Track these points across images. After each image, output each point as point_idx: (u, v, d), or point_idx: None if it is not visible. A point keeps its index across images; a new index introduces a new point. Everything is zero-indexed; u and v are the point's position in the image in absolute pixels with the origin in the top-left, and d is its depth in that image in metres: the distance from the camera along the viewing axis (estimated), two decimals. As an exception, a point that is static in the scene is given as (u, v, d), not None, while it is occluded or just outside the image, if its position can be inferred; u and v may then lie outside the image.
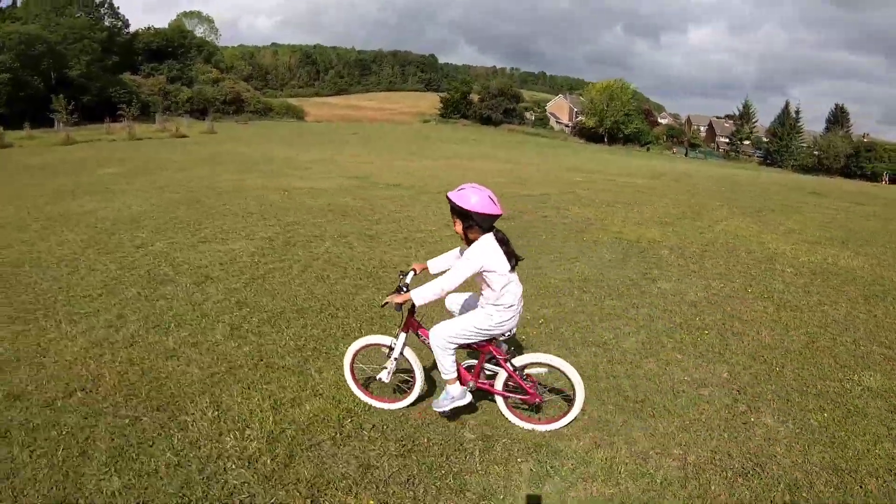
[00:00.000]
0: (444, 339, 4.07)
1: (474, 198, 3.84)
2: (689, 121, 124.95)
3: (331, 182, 18.33)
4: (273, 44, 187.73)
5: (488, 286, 4.01)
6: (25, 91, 60.17)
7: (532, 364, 4.36)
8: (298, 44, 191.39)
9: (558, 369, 4.26)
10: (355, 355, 4.67)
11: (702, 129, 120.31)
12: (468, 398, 4.30)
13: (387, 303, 4.05)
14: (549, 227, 12.31)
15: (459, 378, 4.30)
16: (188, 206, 13.39)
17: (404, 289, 4.09)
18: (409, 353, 4.48)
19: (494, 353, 4.28)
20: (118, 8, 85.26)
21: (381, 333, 5.10)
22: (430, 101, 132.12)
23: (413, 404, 4.68)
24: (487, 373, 4.49)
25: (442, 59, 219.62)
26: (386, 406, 4.63)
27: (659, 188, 21.25)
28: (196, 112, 66.94)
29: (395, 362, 4.40)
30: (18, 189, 16.24)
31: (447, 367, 4.15)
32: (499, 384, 4.36)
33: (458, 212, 3.92)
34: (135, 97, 64.80)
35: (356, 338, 5.09)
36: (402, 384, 4.81)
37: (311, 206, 13.69)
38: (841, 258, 10.87)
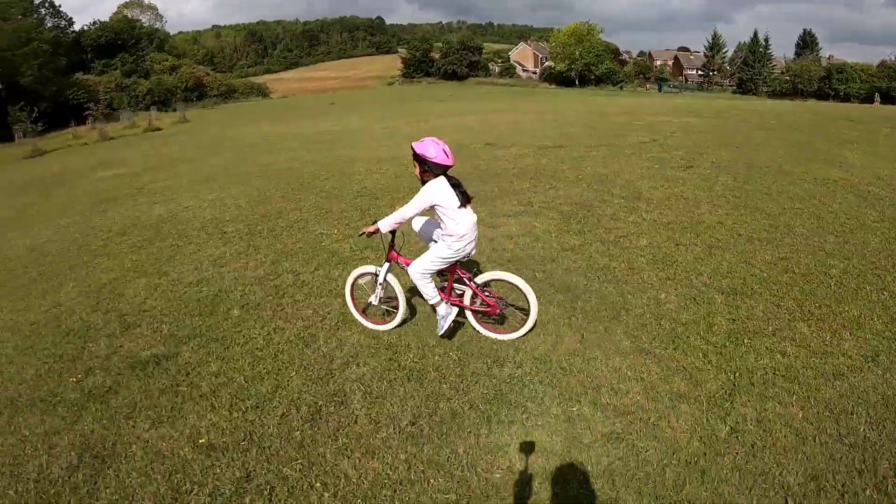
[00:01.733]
0: (419, 272, 4.77)
1: (432, 149, 4.55)
2: (651, 56, 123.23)
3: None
4: (214, 26, 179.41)
5: (442, 220, 4.69)
6: (-29, 103, 53.96)
7: (492, 280, 5.04)
8: (241, 23, 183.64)
9: (515, 286, 4.85)
10: (354, 283, 5.40)
11: (668, 63, 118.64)
12: (454, 311, 4.93)
13: (363, 233, 4.88)
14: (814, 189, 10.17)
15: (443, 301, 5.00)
16: (329, 201, 10.69)
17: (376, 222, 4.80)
18: (392, 280, 5.14)
19: (460, 273, 4.98)
20: (59, 6, 78.91)
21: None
22: (384, 64, 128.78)
23: (399, 325, 5.27)
24: (458, 292, 5.10)
25: (387, 21, 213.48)
26: (377, 327, 5.30)
27: (728, 125, 19.13)
28: (158, 103, 62.27)
29: (380, 287, 5.15)
30: (21, 208, 14.03)
31: (429, 293, 4.87)
32: (466, 300, 5.06)
33: (418, 158, 4.63)
34: (98, 96, 59.94)
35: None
36: (391, 309, 5.35)
37: (518, 170, 12.07)
38: None
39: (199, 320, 5.87)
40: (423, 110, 37.01)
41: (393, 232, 4.95)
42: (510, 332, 4.94)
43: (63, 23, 78.96)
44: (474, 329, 5.08)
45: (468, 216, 4.73)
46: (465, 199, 4.68)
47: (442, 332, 4.97)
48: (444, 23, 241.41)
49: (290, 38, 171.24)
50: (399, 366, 4.81)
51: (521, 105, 38.92)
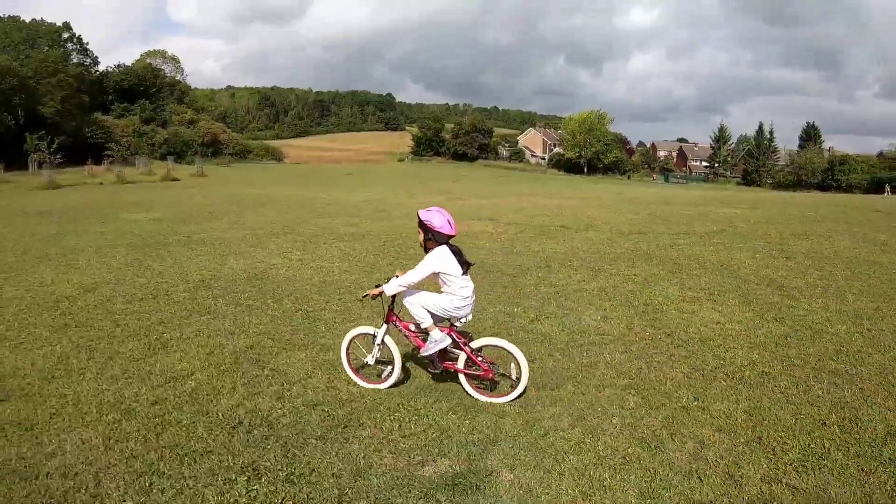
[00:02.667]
0: (416, 300, 4.92)
1: (437, 219, 4.76)
2: (654, 147, 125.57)
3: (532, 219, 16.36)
4: (228, 86, 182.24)
5: (446, 284, 4.85)
6: (-6, 129, 51.34)
7: (487, 346, 5.07)
8: (254, 86, 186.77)
9: (509, 352, 4.91)
10: (350, 342, 5.35)
11: (668, 154, 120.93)
12: (448, 340, 4.96)
13: (366, 295, 5.01)
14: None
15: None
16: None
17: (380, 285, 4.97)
18: (389, 342, 5.13)
19: (456, 337, 5.02)
20: (87, 44, 78.82)
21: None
22: (392, 140, 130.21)
23: (392, 386, 5.10)
24: (452, 355, 5.11)
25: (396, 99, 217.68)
26: (371, 386, 5.15)
27: (776, 216, 18.40)
28: (174, 154, 60.65)
29: (378, 348, 5.16)
30: (52, 237, 12.81)
31: (423, 318, 4.92)
32: (461, 363, 5.02)
33: (423, 226, 4.82)
34: (117, 138, 58.90)
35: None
36: (384, 369, 5.19)
37: (627, 254, 11.43)
38: None
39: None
40: (450, 189, 36.63)
41: (393, 295, 4.98)
42: (500, 397, 4.98)
43: (88, 61, 78.66)
44: (466, 391, 5.05)
45: (468, 282, 4.90)
46: (465, 267, 4.87)
47: (428, 352, 4.98)
48: (450, 104, 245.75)
49: (301, 106, 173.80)
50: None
51: (548, 190, 38.89)
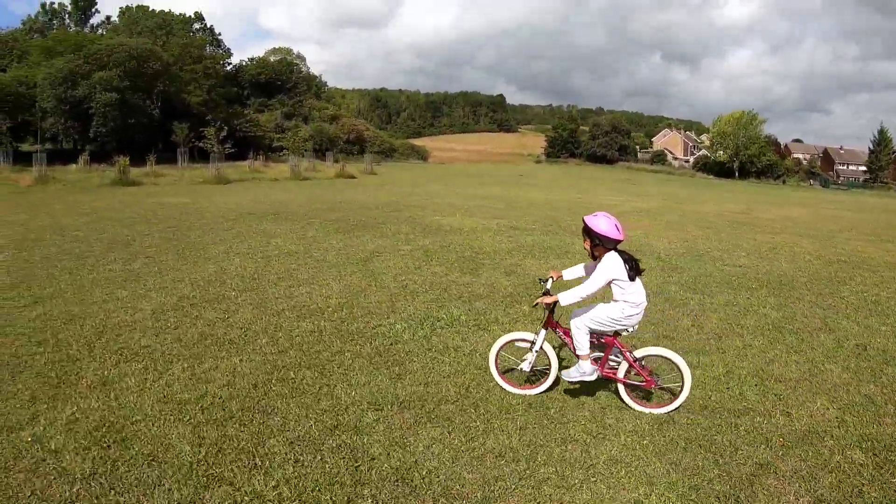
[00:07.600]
0: (582, 321, 4.56)
1: (603, 224, 4.37)
2: (787, 149, 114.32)
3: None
4: (336, 88, 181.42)
5: (619, 290, 4.44)
6: (135, 117, 47.06)
7: (649, 356, 4.79)
8: (362, 88, 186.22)
9: (673, 362, 4.62)
10: (500, 349, 5.06)
11: (807, 157, 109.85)
12: (595, 376, 4.66)
13: (538, 303, 4.66)
14: None
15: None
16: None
17: (550, 292, 4.67)
18: (547, 347, 4.86)
19: (619, 346, 4.72)
20: (220, 35, 75.94)
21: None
22: (509, 141, 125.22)
23: (545, 391, 4.85)
24: (612, 364, 4.78)
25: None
26: (519, 391, 4.88)
27: None
28: (317, 151, 57.07)
29: (534, 354, 4.83)
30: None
31: (583, 344, 4.60)
32: (621, 373, 4.71)
33: (589, 232, 4.44)
34: (259, 133, 55.53)
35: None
36: (535, 375, 5.03)
37: None
38: None
39: None
40: (658, 193, 33.19)
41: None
42: (659, 407, 4.67)
43: (221, 52, 76.13)
44: (622, 401, 4.75)
45: (641, 288, 4.55)
46: (635, 273, 4.48)
47: (571, 379, 4.72)
48: (553, 105, 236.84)
49: (413, 107, 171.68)
50: None
51: (736, 197, 34.99)
